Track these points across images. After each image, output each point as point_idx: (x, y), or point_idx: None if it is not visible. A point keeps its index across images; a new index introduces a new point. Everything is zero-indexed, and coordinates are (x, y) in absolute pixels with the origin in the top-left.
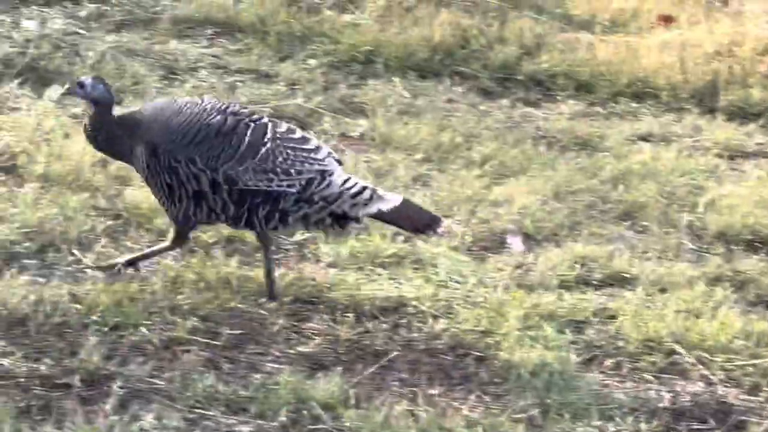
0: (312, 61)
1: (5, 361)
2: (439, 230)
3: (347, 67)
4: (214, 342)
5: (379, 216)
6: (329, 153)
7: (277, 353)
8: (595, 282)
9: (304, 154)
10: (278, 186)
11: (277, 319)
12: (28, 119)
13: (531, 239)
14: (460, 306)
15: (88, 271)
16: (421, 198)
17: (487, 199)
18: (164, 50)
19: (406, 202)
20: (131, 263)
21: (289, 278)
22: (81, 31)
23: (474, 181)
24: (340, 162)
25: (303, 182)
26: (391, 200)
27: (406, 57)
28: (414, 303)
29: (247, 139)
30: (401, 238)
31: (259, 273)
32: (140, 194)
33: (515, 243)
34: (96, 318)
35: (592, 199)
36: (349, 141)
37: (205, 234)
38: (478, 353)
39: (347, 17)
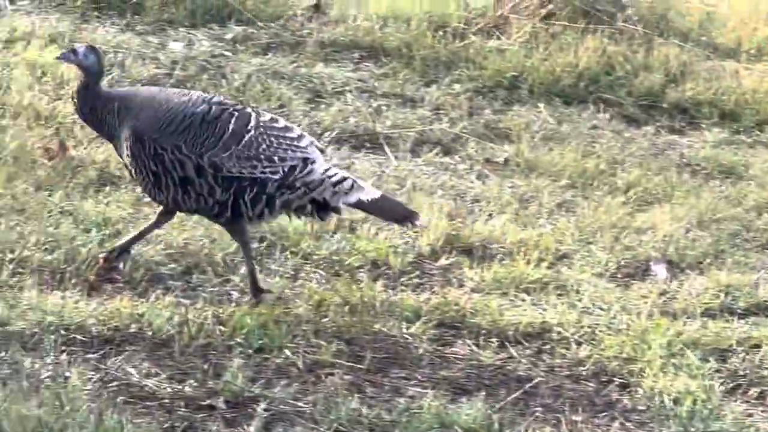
0: (457, 86)
1: (150, 382)
2: (417, 223)
3: (492, 92)
4: (358, 365)
5: (359, 206)
6: (312, 142)
7: (421, 377)
8: (739, 310)
9: (287, 142)
10: (261, 173)
11: (421, 343)
12: None
13: (675, 267)
14: (604, 333)
15: (232, 292)
16: (564, 224)
17: (631, 226)
18: (310, 73)
19: (385, 196)
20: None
21: (434, 302)
22: (227, 54)
23: (618, 207)
24: (322, 151)
25: (286, 169)
26: (370, 192)
27: (551, 83)
28: (557, 329)
29: (231, 127)
30: (545, 263)
31: (403, 296)
32: (284, 218)
33: (659, 270)
34: (240, 340)
35: (737, 228)
36: (493, 166)
37: (350, 258)
38: (621, 380)
39: (493, 43)
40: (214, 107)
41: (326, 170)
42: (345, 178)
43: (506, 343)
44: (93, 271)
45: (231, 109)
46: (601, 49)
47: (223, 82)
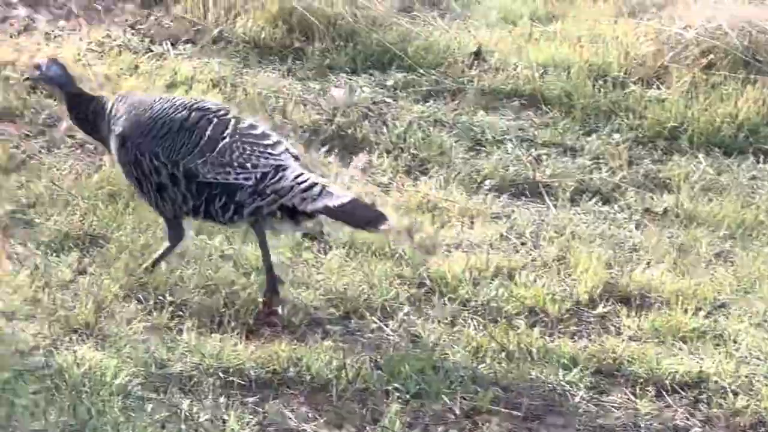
0: (617, 136)
1: (308, 427)
2: (381, 227)
3: (652, 142)
4: (515, 412)
5: (326, 211)
6: (286, 149)
7: (578, 425)
8: None
9: (261, 149)
10: (235, 179)
11: (578, 390)
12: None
13: None
14: (762, 383)
15: (390, 337)
16: (723, 274)
17: None
18: (471, 121)
19: (354, 201)
20: (153, 266)
21: (591, 350)
22: (388, 100)
23: None
24: (296, 158)
25: (258, 176)
26: (340, 197)
27: (711, 133)
28: (715, 378)
29: (207, 133)
30: (703, 312)
31: (560, 344)
32: (445, 264)
33: None
34: (398, 385)
35: None
36: (652, 216)
37: (508, 304)
38: None
39: (653, 92)
40: (193, 113)
41: (297, 176)
42: (315, 184)
43: (663, 392)
44: (252, 315)
45: (210, 115)
46: (761, 100)
47: (384, 128)
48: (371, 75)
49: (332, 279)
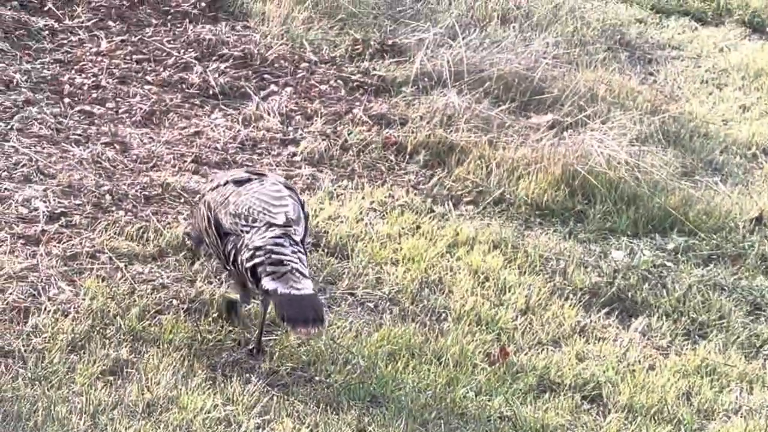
0: None
1: None
2: (312, 330)
3: None
4: None
5: (271, 294)
6: (286, 213)
7: None
8: None
9: (267, 207)
10: (241, 230)
11: None
12: (614, 349)
13: None
14: None
15: None
16: None
17: None
18: (750, 286)
19: (308, 296)
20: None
21: None
22: (668, 264)
23: None
24: (289, 223)
25: (248, 230)
26: (299, 288)
27: None
28: None
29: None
30: None
31: None
32: (724, 429)
33: None
34: None
35: None
36: None
37: None
38: None
39: None
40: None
41: (275, 243)
42: (288, 263)
43: None
44: None
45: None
46: None
47: (664, 291)
48: (652, 238)
49: None
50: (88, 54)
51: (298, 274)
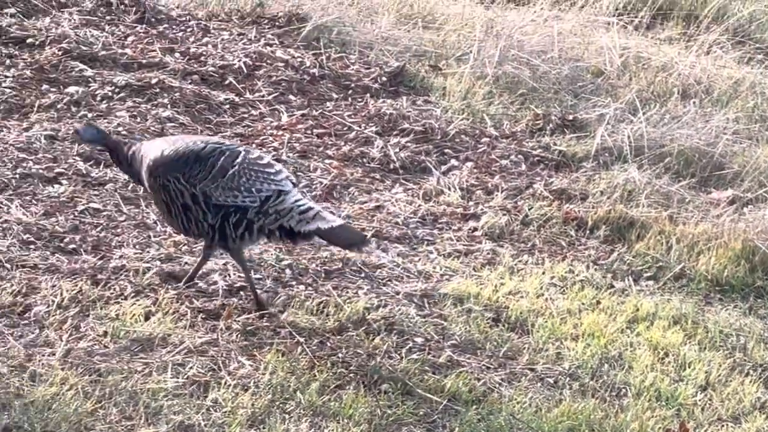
0: None
1: None
2: (365, 249)
3: None
4: None
5: (318, 233)
6: (287, 176)
7: None
8: None
9: (264, 176)
10: (242, 201)
11: None
12: None
13: None
14: None
15: None
16: None
17: None
18: None
19: (343, 225)
20: (190, 281)
21: None
22: None
23: None
24: (295, 184)
25: (262, 198)
26: (330, 221)
27: None
28: None
29: (219, 163)
30: None
31: None
32: None
33: None
34: None
35: None
36: None
37: None
38: None
39: None
40: (208, 146)
41: (296, 200)
42: (310, 208)
43: None
44: None
45: (223, 147)
46: None
47: None
48: None
49: None
50: (268, 128)
51: (323, 213)
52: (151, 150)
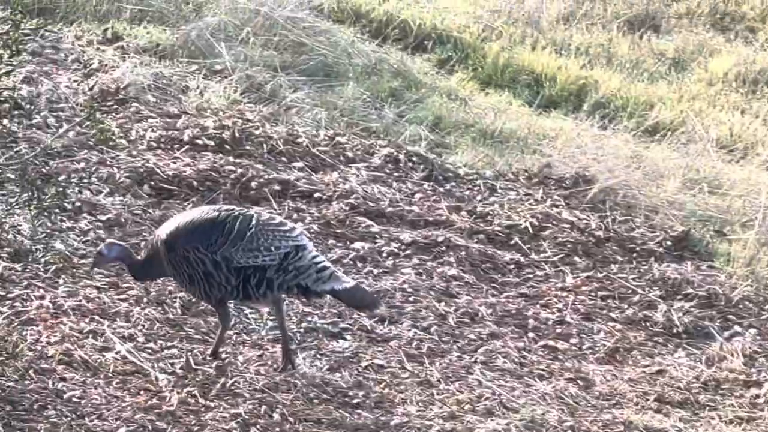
0: None
1: None
2: (376, 311)
3: None
4: None
5: (333, 293)
6: (301, 232)
7: None
8: None
9: (281, 234)
10: (263, 261)
11: None
12: None
13: None
14: None
15: None
16: None
17: None
18: None
19: (356, 286)
20: (214, 354)
21: None
22: None
23: None
24: (309, 239)
25: (281, 255)
26: (345, 282)
27: None
28: None
29: (236, 227)
30: None
31: None
32: None
33: None
34: None
35: None
36: None
37: None
38: None
39: None
40: (221, 213)
41: (313, 257)
42: (327, 268)
43: None
44: None
45: (235, 212)
46: None
47: None
48: None
49: None
50: (553, 289)
51: (338, 274)
52: (165, 228)
